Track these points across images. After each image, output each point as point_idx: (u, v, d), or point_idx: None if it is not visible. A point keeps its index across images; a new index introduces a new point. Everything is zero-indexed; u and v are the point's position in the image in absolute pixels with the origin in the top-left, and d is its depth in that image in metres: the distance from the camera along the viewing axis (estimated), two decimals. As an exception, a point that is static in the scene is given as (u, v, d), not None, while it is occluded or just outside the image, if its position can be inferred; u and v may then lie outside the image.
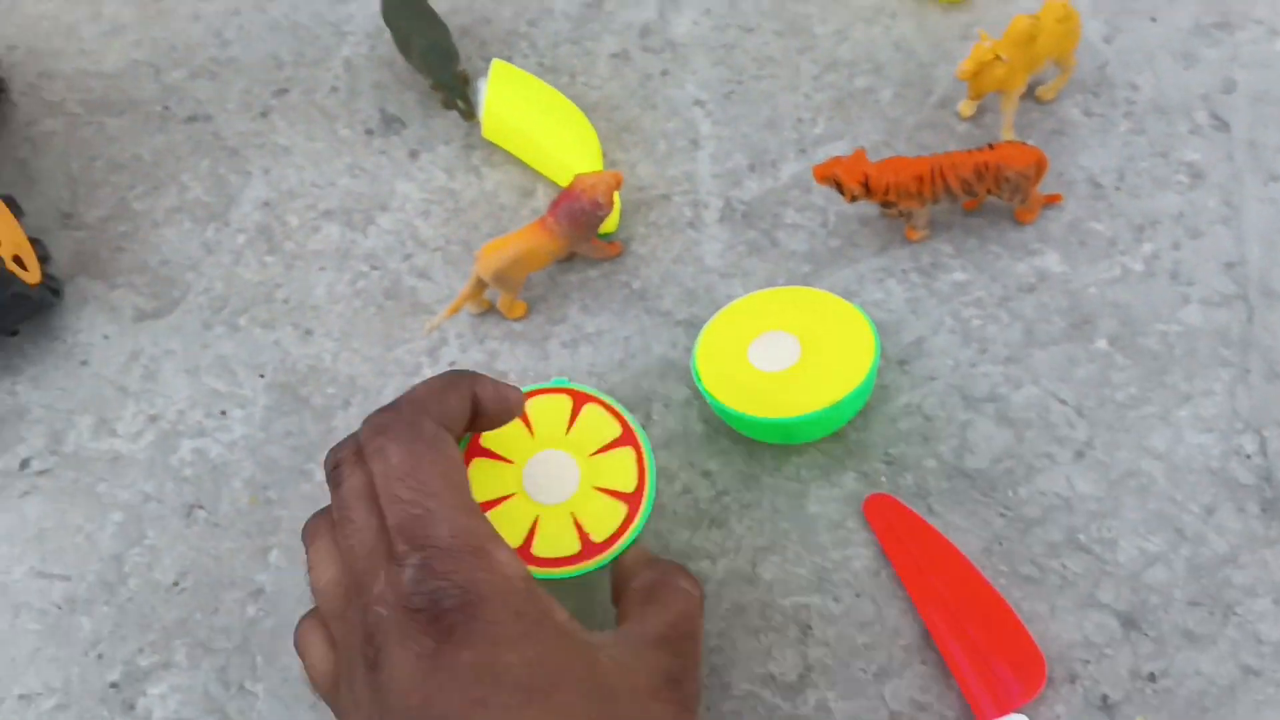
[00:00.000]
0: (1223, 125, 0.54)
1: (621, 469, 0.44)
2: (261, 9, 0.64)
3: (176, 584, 0.49)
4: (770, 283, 0.53)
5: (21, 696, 0.47)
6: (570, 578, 0.43)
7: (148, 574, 0.49)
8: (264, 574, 0.49)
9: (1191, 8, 0.58)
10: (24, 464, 0.52)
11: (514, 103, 0.55)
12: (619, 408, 0.46)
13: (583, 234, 0.51)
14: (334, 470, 0.38)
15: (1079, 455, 0.48)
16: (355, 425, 0.51)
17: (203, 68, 0.62)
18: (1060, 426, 0.49)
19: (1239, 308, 0.50)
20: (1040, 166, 0.50)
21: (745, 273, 0.54)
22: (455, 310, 0.52)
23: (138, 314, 0.55)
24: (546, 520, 0.43)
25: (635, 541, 0.43)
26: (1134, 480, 0.47)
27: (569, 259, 0.54)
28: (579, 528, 0.43)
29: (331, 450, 0.39)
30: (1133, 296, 0.51)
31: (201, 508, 0.51)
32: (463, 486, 0.37)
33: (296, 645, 0.39)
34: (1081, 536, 0.47)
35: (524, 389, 0.45)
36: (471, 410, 0.40)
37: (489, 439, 0.45)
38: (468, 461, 0.44)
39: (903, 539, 0.47)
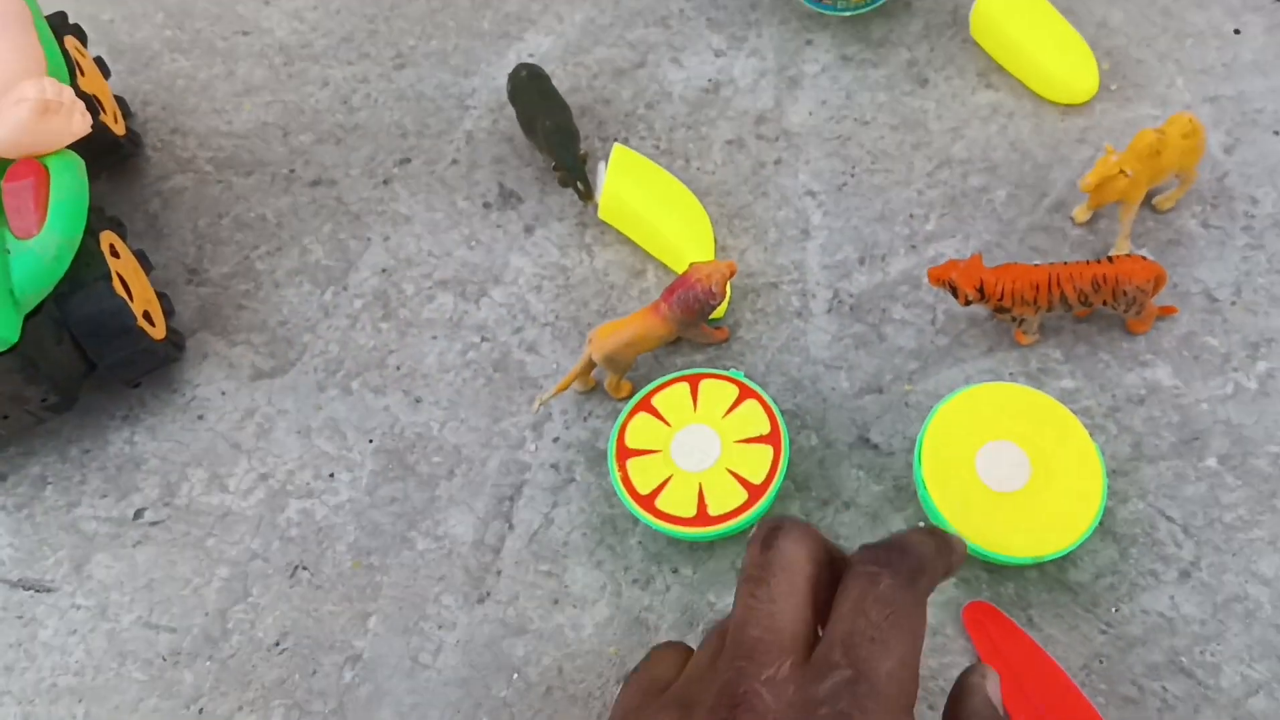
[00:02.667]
0: (1344, 244, 0.54)
1: (754, 417, 0.50)
2: (388, 78, 0.66)
3: (278, 644, 0.50)
4: (876, 378, 0.53)
5: (124, 744, 0.49)
6: (750, 523, 0.49)
7: (250, 631, 0.51)
8: (362, 639, 0.50)
9: (1315, 122, 0.57)
10: (138, 514, 0.54)
11: (631, 187, 0.56)
12: (729, 373, 0.51)
13: (694, 320, 0.52)
14: (773, 532, 0.34)
15: (1184, 575, 0.48)
16: (458, 495, 0.52)
17: (329, 133, 0.64)
18: (1166, 544, 0.48)
19: (1356, 434, 0.49)
20: (1159, 282, 0.49)
21: (851, 365, 0.54)
22: (563, 388, 0.53)
23: (255, 372, 0.57)
24: (710, 482, 0.49)
25: (754, 523, 0.48)
26: (1240, 605, 0.47)
27: (676, 342, 0.55)
28: (738, 478, 0.49)
29: (775, 517, 0.35)
30: (1245, 415, 0.50)
31: (305, 569, 0.52)
32: (917, 661, 0.32)
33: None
34: (1184, 659, 0.46)
35: (642, 391, 0.51)
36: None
37: (631, 438, 0.50)
38: (621, 466, 0.50)
39: (1001, 649, 0.46)
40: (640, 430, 0.51)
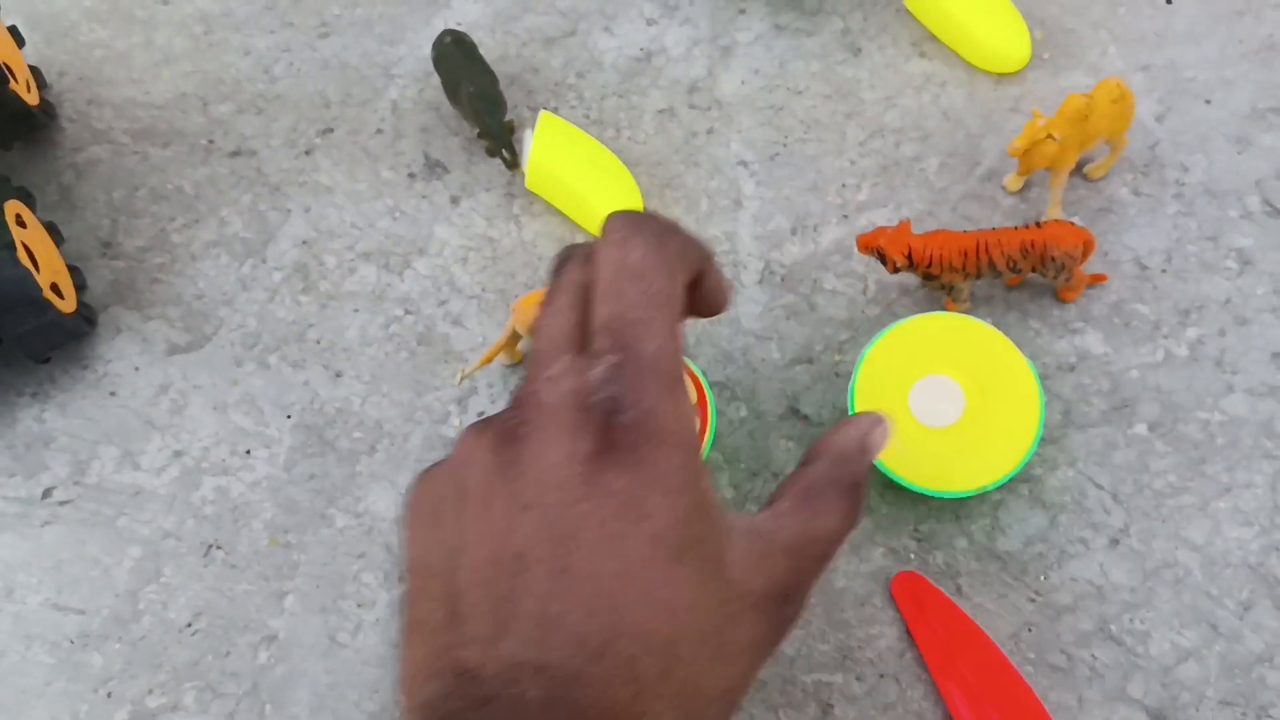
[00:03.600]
0: (1275, 212, 0.53)
1: None
2: (312, 47, 0.64)
3: (190, 625, 0.49)
4: (807, 349, 0.52)
5: (29, 730, 0.47)
6: None
7: (162, 613, 0.49)
8: (278, 619, 0.48)
9: (1248, 92, 0.57)
10: (46, 493, 0.52)
11: (558, 155, 0.55)
12: (705, 383, 0.49)
13: (619, 290, 0.51)
14: (563, 261, 0.35)
15: (1113, 542, 0.47)
16: (380, 471, 0.51)
17: (250, 103, 0.62)
18: (1096, 512, 0.48)
19: (1285, 400, 0.49)
20: (1087, 247, 0.49)
21: (782, 336, 0.53)
22: (488, 360, 0.51)
23: (170, 347, 0.55)
24: None
25: (713, 446, 0.48)
26: (1169, 572, 0.46)
27: (604, 314, 0.54)
28: None
29: (566, 247, 0.35)
30: (1175, 382, 0.50)
31: (220, 548, 0.50)
32: (680, 322, 0.33)
33: None
34: (1113, 627, 0.45)
35: None
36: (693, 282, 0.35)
37: None
38: None
39: (930, 620, 0.46)
40: None
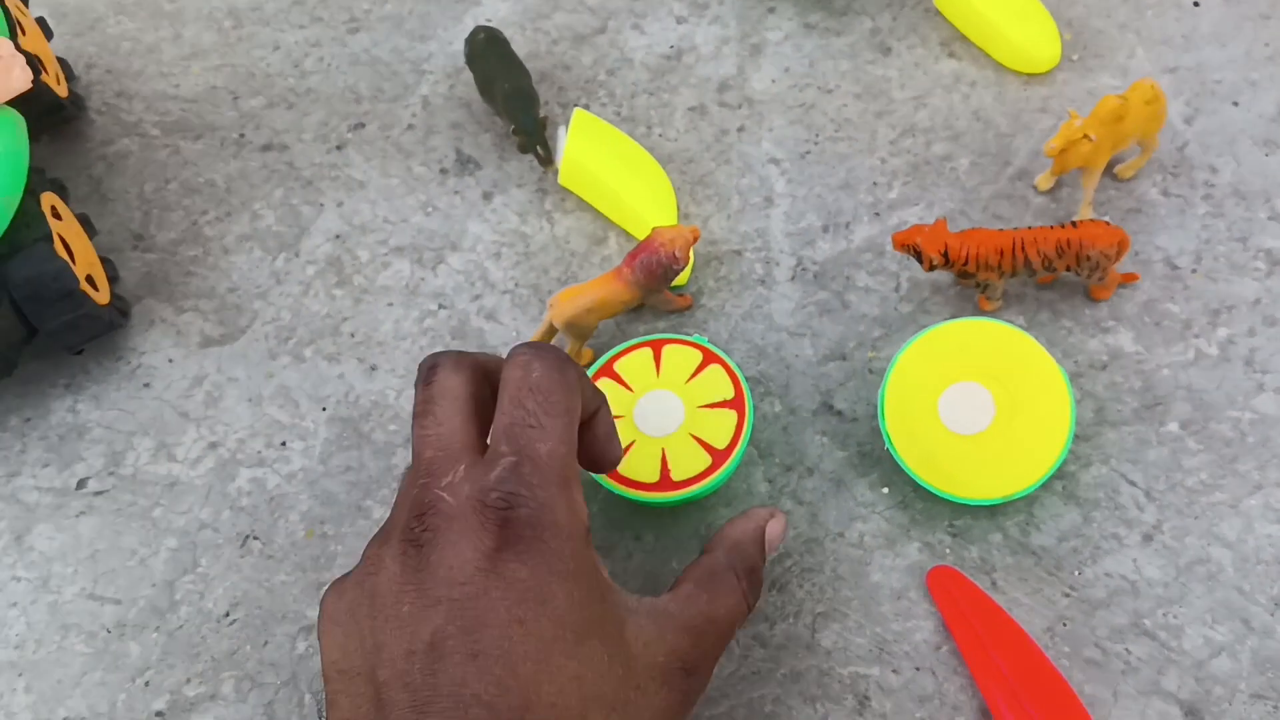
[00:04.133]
0: (1302, 213, 0.54)
1: (717, 382, 0.49)
2: (342, 42, 0.64)
3: (228, 614, 0.49)
4: (840, 345, 0.53)
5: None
6: (714, 488, 0.48)
7: (199, 603, 0.49)
8: (315, 609, 0.48)
9: (1274, 94, 0.57)
10: (81, 483, 0.52)
11: (593, 152, 0.55)
12: (692, 338, 0.50)
13: (656, 286, 0.51)
14: (430, 369, 0.38)
15: (1147, 539, 0.47)
16: (418, 464, 0.51)
17: (280, 97, 0.62)
18: (1129, 508, 0.48)
19: (1315, 399, 0.50)
20: (1122, 247, 0.49)
21: (815, 333, 0.53)
22: (523, 354, 0.52)
23: (204, 339, 0.55)
24: (672, 447, 0.48)
25: (716, 490, 0.49)
26: (1202, 568, 0.47)
27: (638, 309, 0.54)
28: (701, 443, 0.48)
29: (431, 355, 0.39)
30: (1206, 381, 0.51)
31: (257, 539, 0.50)
32: (574, 438, 0.38)
33: None
34: (1147, 622, 0.46)
35: (604, 357, 0.50)
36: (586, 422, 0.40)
37: (621, 366, 0.50)
38: (597, 379, 0.49)
39: (965, 614, 0.46)
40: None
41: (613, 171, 0.55)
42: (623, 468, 0.48)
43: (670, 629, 0.38)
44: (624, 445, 0.48)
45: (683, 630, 0.38)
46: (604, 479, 0.48)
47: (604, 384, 0.50)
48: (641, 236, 0.54)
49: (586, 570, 0.36)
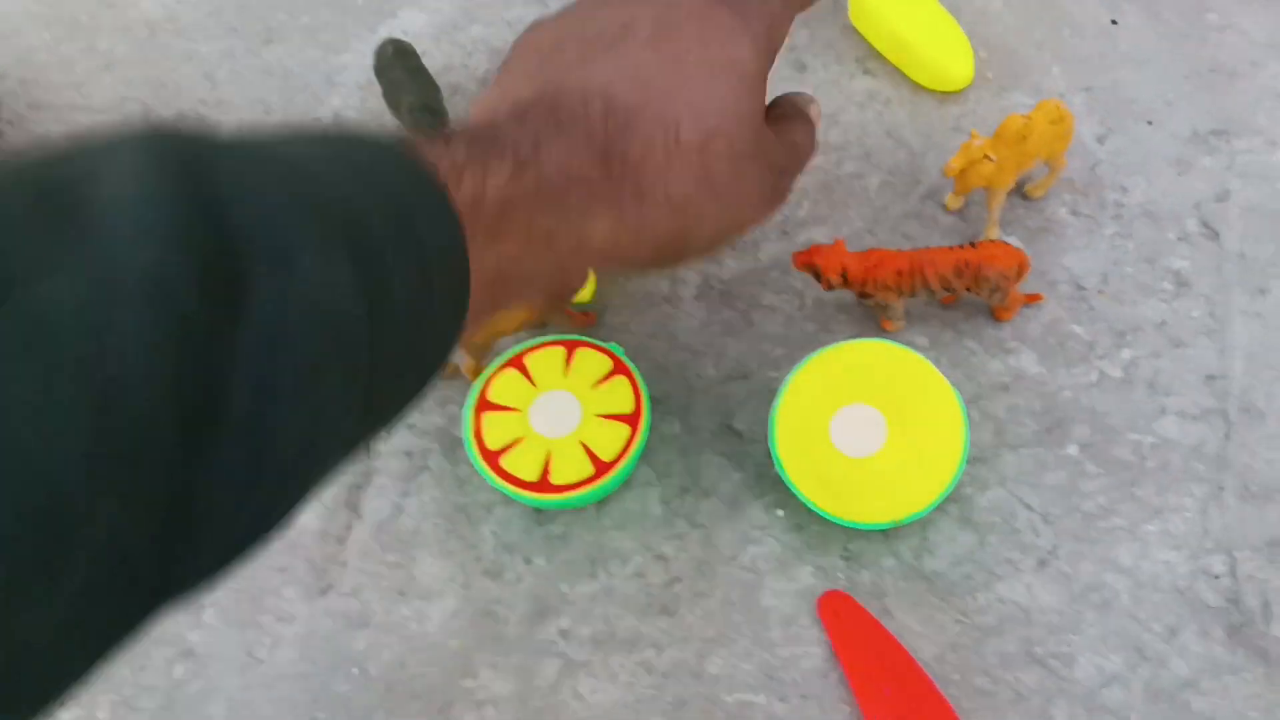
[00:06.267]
0: (1213, 235, 0.53)
1: (620, 394, 0.49)
2: (255, 54, 0.63)
3: (109, 636, 0.48)
4: (742, 364, 0.52)
5: (-63, 743, 0.46)
6: (591, 499, 0.48)
7: (81, 623, 0.48)
8: (195, 633, 0.48)
9: (1189, 113, 0.57)
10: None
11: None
12: (608, 345, 0.50)
13: (555, 304, 0.50)
14: None
15: (1042, 564, 0.47)
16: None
17: (191, 110, 0.61)
18: (1025, 533, 0.47)
19: (1217, 423, 0.49)
20: (1021, 268, 0.49)
21: (718, 351, 0.53)
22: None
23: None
24: (559, 451, 0.48)
25: (594, 502, 0.49)
26: (1096, 595, 0.46)
27: (541, 327, 0.53)
28: (589, 452, 0.47)
29: None
30: (1108, 403, 0.50)
31: (143, 558, 0.49)
32: None
33: None
34: (1038, 650, 0.45)
35: (518, 347, 0.50)
36: None
37: (494, 392, 0.49)
38: (477, 417, 0.48)
39: (855, 640, 0.45)
40: (505, 386, 0.49)
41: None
42: (506, 461, 0.47)
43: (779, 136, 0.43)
44: (513, 440, 0.48)
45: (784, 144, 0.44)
46: (484, 467, 0.47)
47: (509, 375, 0.49)
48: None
49: (770, 50, 0.43)
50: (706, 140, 0.39)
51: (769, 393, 0.51)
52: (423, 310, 0.31)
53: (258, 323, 0.25)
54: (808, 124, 0.46)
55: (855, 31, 0.61)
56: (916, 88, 0.59)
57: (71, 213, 0.23)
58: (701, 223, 0.41)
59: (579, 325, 0.53)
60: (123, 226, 0.23)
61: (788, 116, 0.45)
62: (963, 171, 0.51)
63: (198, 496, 0.24)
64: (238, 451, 0.25)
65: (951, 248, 0.49)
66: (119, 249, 0.23)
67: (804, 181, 0.56)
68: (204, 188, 0.25)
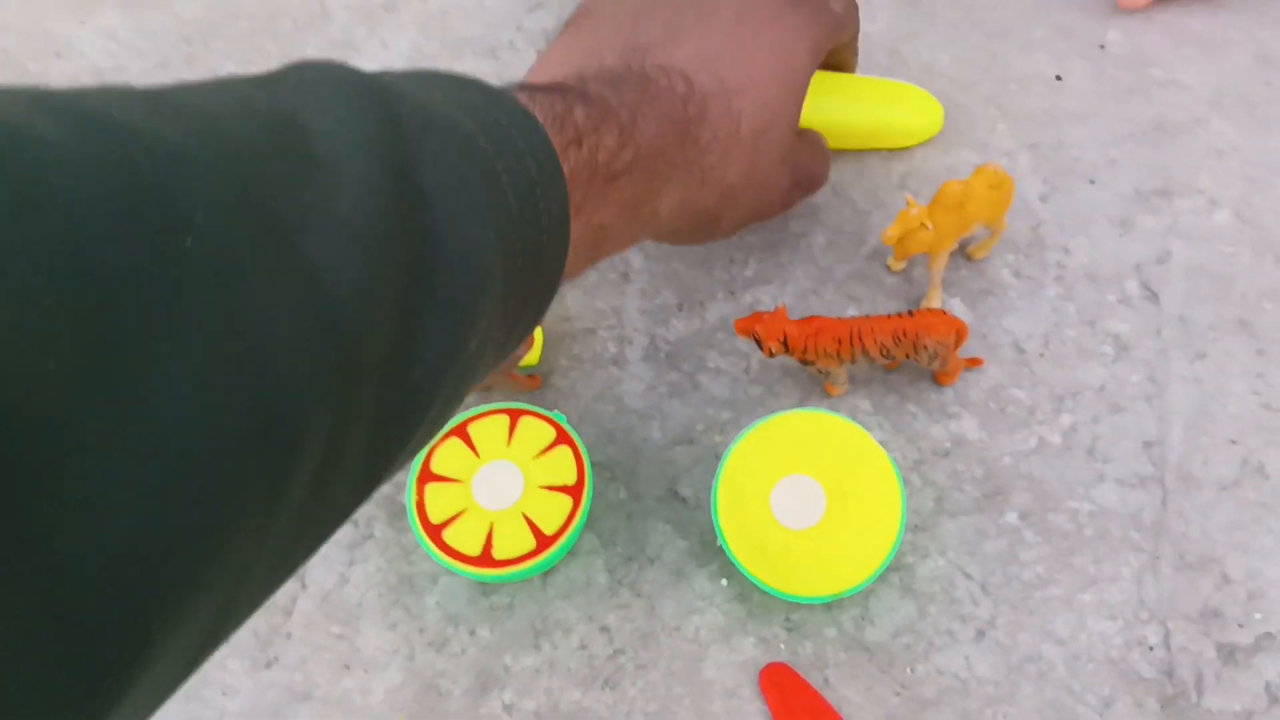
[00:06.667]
0: (1153, 296, 0.54)
1: (562, 465, 0.49)
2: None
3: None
4: (688, 429, 0.52)
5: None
6: (533, 573, 0.48)
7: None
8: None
9: (1132, 173, 0.57)
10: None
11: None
12: (553, 415, 0.50)
13: (501, 368, 0.50)
14: None
15: (980, 635, 0.47)
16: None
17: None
18: (964, 603, 0.48)
19: (1154, 490, 0.50)
20: (960, 336, 0.49)
21: (664, 415, 0.53)
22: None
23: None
24: (501, 524, 0.48)
25: (583, 529, 0.49)
26: (1033, 665, 0.47)
27: (486, 390, 0.53)
28: (531, 525, 0.48)
29: None
30: (1047, 470, 0.50)
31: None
32: None
33: None
34: (977, 721, 0.46)
35: (462, 415, 0.50)
36: None
37: (437, 463, 0.49)
38: (420, 489, 0.48)
39: (796, 713, 0.46)
40: (448, 456, 0.49)
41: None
42: (448, 534, 0.48)
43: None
44: (456, 512, 0.48)
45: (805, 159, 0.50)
46: (427, 541, 0.47)
47: (452, 444, 0.50)
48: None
49: (823, 49, 0.47)
50: (759, 136, 0.44)
51: (714, 458, 0.52)
52: (536, 269, 0.34)
53: (444, 270, 0.29)
54: (825, 153, 0.52)
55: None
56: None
57: (304, 153, 0.26)
58: (736, 208, 0.46)
59: (524, 389, 0.53)
60: (350, 176, 0.26)
61: (811, 138, 0.51)
62: (901, 238, 0.51)
63: (402, 398, 0.28)
64: (430, 370, 0.29)
65: (890, 316, 0.49)
66: (353, 201, 0.26)
67: (750, 240, 0.57)
68: (399, 145, 0.28)
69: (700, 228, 0.46)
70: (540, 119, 0.34)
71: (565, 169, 0.35)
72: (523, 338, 0.37)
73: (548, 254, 0.34)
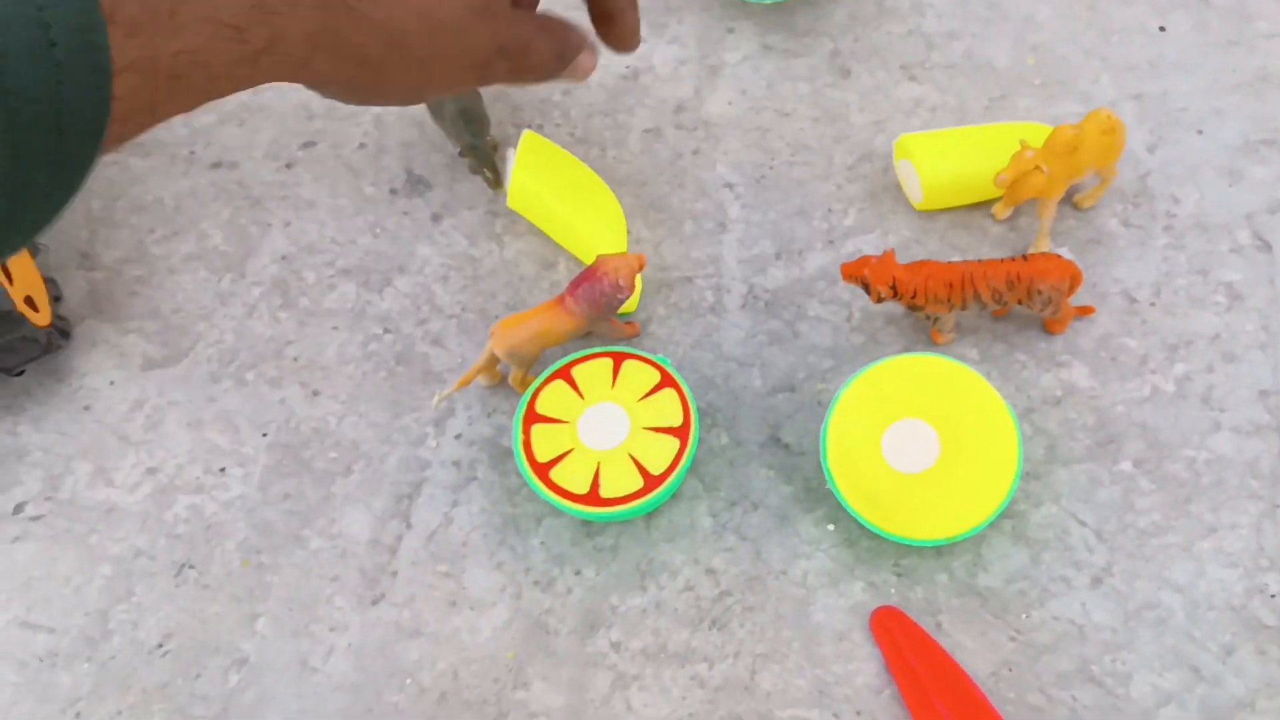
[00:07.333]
0: (1265, 246, 0.53)
1: (668, 407, 0.48)
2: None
3: (160, 645, 0.48)
4: (789, 376, 0.52)
5: (-8, 753, 0.46)
6: (640, 513, 0.48)
7: (132, 632, 0.48)
8: (249, 642, 0.48)
9: (1239, 124, 0.56)
10: (18, 508, 0.51)
11: (541, 175, 0.54)
12: (655, 358, 0.50)
13: (601, 315, 0.50)
14: None
15: (1096, 582, 0.46)
16: (355, 493, 0.50)
17: (232, 114, 0.61)
18: (1079, 550, 0.47)
19: (1271, 439, 0.49)
20: (1074, 281, 0.48)
21: (764, 363, 0.52)
22: (466, 383, 0.51)
23: (146, 361, 0.54)
24: (608, 464, 0.47)
25: (642, 515, 0.49)
26: (1152, 613, 0.46)
27: (585, 337, 0.53)
28: (638, 465, 0.47)
29: None
30: (1161, 418, 0.50)
31: (192, 567, 0.49)
32: None
33: None
34: (1094, 668, 0.45)
35: (565, 359, 0.50)
36: None
37: (542, 404, 0.49)
38: (526, 429, 0.48)
39: (908, 657, 0.45)
40: (553, 398, 0.49)
41: (561, 196, 0.54)
42: (556, 473, 0.47)
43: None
44: (562, 452, 0.48)
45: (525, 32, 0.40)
46: (535, 480, 0.47)
47: (557, 387, 0.49)
48: (589, 261, 0.53)
49: None
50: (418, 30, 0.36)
51: (817, 405, 0.51)
52: (43, 107, 0.27)
53: None
54: (562, 41, 0.42)
55: (900, 37, 0.60)
56: (963, 94, 0.59)
57: None
58: (405, 59, 0.37)
59: (623, 336, 0.53)
60: None
61: (554, 22, 0.42)
62: (1013, 183, 0.50)
63: None
64: None
65: (1003, 260, 0.49)
66: None
67: (850, 190, 0.56)
68: None
69: (360, 80, 0.37)
70: None
71: None
72: (38, 223, 0.29)
73: (67, 88, 0.27)
